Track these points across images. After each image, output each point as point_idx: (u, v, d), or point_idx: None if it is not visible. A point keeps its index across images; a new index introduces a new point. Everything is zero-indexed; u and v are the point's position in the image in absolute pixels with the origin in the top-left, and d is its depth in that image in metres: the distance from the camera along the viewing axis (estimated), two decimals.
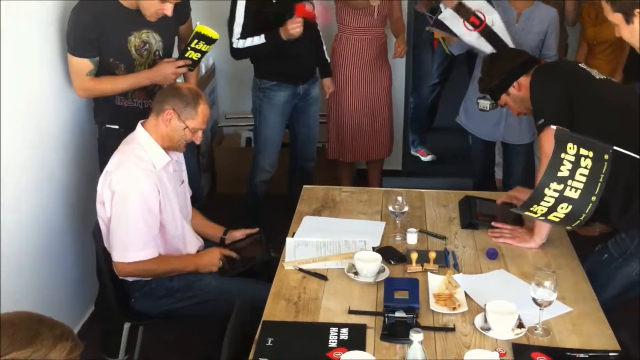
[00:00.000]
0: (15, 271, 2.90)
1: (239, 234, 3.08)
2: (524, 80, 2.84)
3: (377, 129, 4.61)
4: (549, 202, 2.22)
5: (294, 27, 3.69)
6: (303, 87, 4.08)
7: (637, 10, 1.97)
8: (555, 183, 2.19)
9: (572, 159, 2.18)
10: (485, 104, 3.47)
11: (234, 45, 3.85)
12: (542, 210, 2.26)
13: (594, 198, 2.20)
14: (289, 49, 3.80)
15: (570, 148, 2.19)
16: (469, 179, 3.98)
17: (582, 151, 2.19)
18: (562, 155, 2.18)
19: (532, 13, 3.88)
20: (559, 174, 2.18)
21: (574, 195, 2.20)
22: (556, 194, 2.20)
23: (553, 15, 3.92)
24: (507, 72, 2.91)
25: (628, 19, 2.01)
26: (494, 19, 3.66)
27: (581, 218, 2.25)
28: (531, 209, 2.27)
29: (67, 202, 3.38)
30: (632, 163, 2.41)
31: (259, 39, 3.78)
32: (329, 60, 4.31)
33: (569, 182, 2.19)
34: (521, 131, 3.99)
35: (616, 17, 2.05)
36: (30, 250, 3.06)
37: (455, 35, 3.77)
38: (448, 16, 3.68)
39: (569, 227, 2.35)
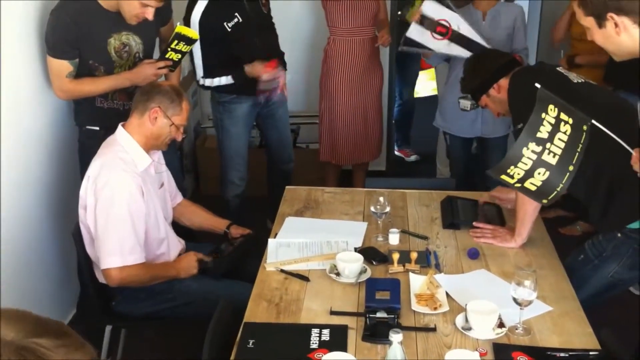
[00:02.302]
0: None
1: (236, 232, 3.08)
2: (504, 82, 2.85)
3: (368, 131, 4.62)
4: (526, 164, 2.18)
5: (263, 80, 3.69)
6: (264, 96, 3.96)
7: (609, 14, 1.97)
8: (534, 144, 2.15)
9: (552, 121, 2.15)
10: (466, 103, 3.50)
11: (201, 83, 3.78)
12: (519, 174, 2.20)
13: (571, 167, 2.18)
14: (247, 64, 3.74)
15: (551, 110, 2.16)
16: (452, 179, 4.00)
17: (563, 116, 2.16)
18: (543, 115, 2.15)
19: (497, 12, 4.05)
20: (538, 135, 2.15)
21: (552, 160, 2.17)
22: (534, 156, 2.16)
23: (518, 10, 4.09)
24: (487, 74, 2.92)
25: (600, 23, 2.01)
26: (459, 24, 3.74)
27: (557, 189, 2.22)
28: (508, 171, 2.21)
29: (48, 204, 3.36)
30: (611, 167, 2.42)
31: (226, 80, 3.73)
32: (284, 52, 4.12)
33: (548, 145, 2.15)
34: (496, 124, 4.06)
35: (588, 21, 2.04)
36: (11, 252, 3.03)
37: (428, 48, 3.84)
38: (415, 31, 3.75)
39: (544, 202, 2.32)
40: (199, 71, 3.75)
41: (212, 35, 3.64)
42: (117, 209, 2.62)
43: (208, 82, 3.76)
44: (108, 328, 2.90)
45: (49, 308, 3.34)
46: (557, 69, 2.79)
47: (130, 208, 2.64)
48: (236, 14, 3.68)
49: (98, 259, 2.69)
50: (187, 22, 3.61)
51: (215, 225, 3.14)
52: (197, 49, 3.66)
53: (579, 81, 2.68)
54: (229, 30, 3.67)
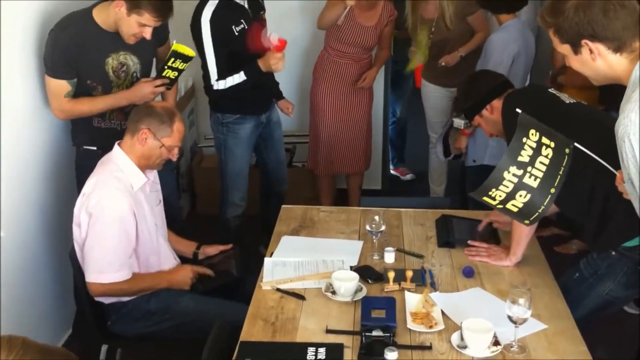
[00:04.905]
0: None
1: (212, 250, 3.09)
2: (497, 103, 2.88)
3: (354, 144, 4.64)
4: (507, 187, 2.21)
5: (276, 63, 3.59)
6: (265, 115, 3.99)
7: (584, 40, 2.01)
8: (514, 167, 2.19)
9: (534, 145, 2.19)
10: (460, 122, 3.52)
11: (215, 87, 3.70)
12: (500, 197, 2.24)
13: (552, 190, 2.21)
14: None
15: (532, 134, 2.20)
16: (447, 198, 4.01)
17: (544, 140, 2.20)
18: (524, 139, 2.19)
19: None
20: (519, 159, 2.19)
21: (533, 183, 2.20)
22: (515, 179, 2.20)
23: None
24: (480, 95, 2.95)
25: (576, 50, 2.05)
26: None
27: (539, 211, 2.25)
28: (489, 193, 2.24)
29: (45, 224, 3.36)
30: (604, 187, 2.44)
31: (239, 77, 3.66)
32: (278, 82, 4.17)
33: (529, 168, 2.19)
34: (488, 152, 3.99)
35: (564, 48, 2.08)
36: (7, 272, 3.02)
37: None
38: None
39: (526, 222, 2.35)
40: (213, 75, 3.69)
41: (222, 36, 3.64)
42: (108, 228, 2.64)
43: (222, 84, 3.68)
44: (104, 347, 2.89)
45: (44, 327, 3.33)
46: (549, 90, 2.82)
47: (121, 227, 2.65)
48: (242, 20, 3.71)
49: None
50: (196, 22, 3.62)
51: (184, 248, 3.12)
52: (209, 51, 3.64)
53: (571, 102, 2.71)
54: (237, 34, 3.68)
